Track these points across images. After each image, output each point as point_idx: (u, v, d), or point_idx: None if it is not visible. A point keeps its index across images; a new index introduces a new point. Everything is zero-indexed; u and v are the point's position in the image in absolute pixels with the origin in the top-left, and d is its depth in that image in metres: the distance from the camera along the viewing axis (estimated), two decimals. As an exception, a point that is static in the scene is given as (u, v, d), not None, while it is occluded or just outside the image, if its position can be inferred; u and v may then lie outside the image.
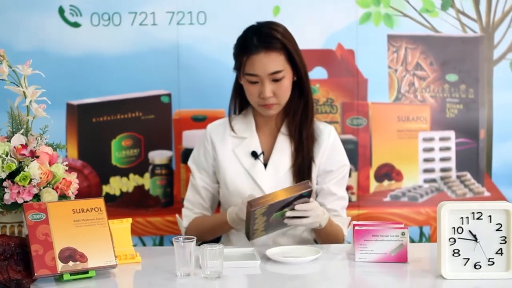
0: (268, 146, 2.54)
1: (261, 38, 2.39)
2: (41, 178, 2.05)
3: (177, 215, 2.63)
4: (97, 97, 3.06)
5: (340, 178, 2.54)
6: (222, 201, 2.60)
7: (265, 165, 2.50)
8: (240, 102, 2.58)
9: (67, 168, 2.16)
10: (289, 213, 2.24)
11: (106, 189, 3.09)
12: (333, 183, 2.52)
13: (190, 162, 2.61)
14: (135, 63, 3.03)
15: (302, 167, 2.48)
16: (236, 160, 2.51)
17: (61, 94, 3.01)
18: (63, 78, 3.01)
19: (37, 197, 2.07)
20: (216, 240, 2.61)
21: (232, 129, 2.54)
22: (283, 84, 2.42)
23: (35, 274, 1.92)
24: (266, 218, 2.25)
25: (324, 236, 2.46)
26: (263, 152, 2.52)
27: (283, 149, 2.51)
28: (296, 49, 2.44)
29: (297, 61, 2.43)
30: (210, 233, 2.54)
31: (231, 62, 2.52)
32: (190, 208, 2.58)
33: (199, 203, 2.57)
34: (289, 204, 2.23)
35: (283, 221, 2.28)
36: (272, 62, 2.39)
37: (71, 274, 1.96)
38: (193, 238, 2.00)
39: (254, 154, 2.51)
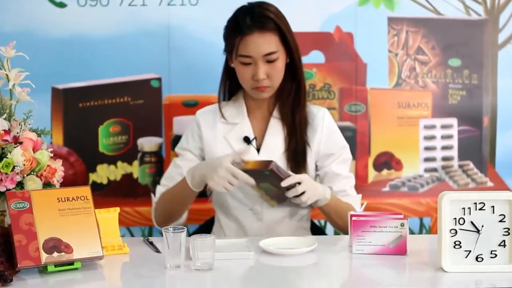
0: (261, 130, 2.55)
1: (254, 18, 2.39)
2: (24, 165, 2.05)
3: (151, 193, 2.60)
4: (83, 81, 3.05)
5: (342, 158, 2.55)
6: (214, 191, 2.59)
7: (258, 150, 2.51)
8: (230, 87, 2.58)
9: (52, 155, 2.16)
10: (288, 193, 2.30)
11: (92, 177, 3.08)
12: (336, 163, 2.53)
13: (176, 148, 2.61)
14: (123, 46, 3.02)
15: (296, 151, 2.49)
16: (228, 146, 2.51)
17: (46, 78, 3.00)
18: (48, 61, 3.00)
19: (20, 185, 2.07)
20: (208, 231, 2.61)
21: (223, 116, 2.54)
22: (277, 66, 2.42)
23: (18, 266, 1.92)
24: (258, 187, 2.33)
25: (334, 214, 2.45)
26: (255, 137, 2.52)
27: (276, 133, 2.52)
28: (289, 30, 2.44)
29: (290, 42, 2.43)
30: (175, 203, 2.48)
31: (224, 44, 2.52)
32: (165, 184, 2.54)
33: (177, 180, 2.49)
34: (264, 177, 2.29)
35: (285, 196, 2.34)
36: (266, 42, 2.39)
37: (55, 266, 1.96)
38: (183, 229, 2.00)
39: (247, 140, 2.51)
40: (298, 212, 2.56)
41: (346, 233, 2.38)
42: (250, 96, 2.52)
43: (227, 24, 2.48)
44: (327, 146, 2.53)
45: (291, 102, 2.51)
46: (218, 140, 2.53)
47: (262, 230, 2.51)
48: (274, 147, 2.51)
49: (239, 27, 2.40)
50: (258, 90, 2.44)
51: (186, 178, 2.39)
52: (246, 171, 2.28)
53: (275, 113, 2.54)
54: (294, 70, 2.49)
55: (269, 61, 2.41)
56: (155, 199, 2.55)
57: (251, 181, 2.29)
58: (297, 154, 2.49)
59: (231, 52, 2.45)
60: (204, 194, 2.90)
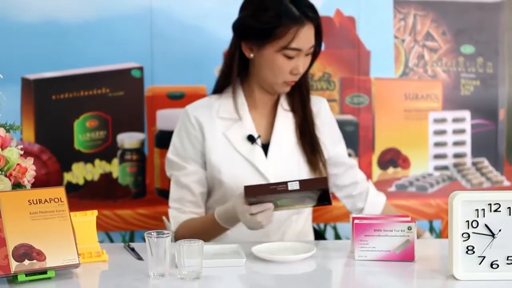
0: (265, 126, 2.57)
1: (303, 8, 2.44)
2: (-9, 164, 2.05)
3: (164, 217, 2.61)
4: (57, 71, 3.05)
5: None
6: (212, 200, 2.59)
7: (266, 146, 2.52)
8: (226, 80, 2.57)
9: (22, 152, 2.15)
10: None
11: (67, 177, 3.09)
12: (339, 150, 2.66)
13: (171, 156, 2.57)
14: (101, 32, 3.03)
15: (312, 142, 2.54)
16: (229, 145, 2.51)
17: (15, 67, 3.00)
18: (18, 49, 3.00)
19: (-13, 186, 2.07)
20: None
21: (221, 110, 2.55)
22: (309, 59, 2.52)
23: (-15, 275, 1.92)
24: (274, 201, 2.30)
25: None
26: (259, 136, 2.53)
27: (286, 126, 2.56)
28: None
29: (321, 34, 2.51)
30: (204, 237, 2.45)
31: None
32: (177, 207, 2.55)
33: (189, 200, 2.54)
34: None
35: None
36: (312, 35, 2.46)
37: (26, 275, 1.96)
38: (168, 233, 2.00)
39: (251, 138, 2.52)
40: (304, 211, 2.60)
41: None
42: (251, 90, 2.54)
43: (269, 12, 2.43)
44: (328, 134, 2.62)
45: (300, 93, 2.59)
46: (218, 137, 2.52)
47: (267, 232, 2.51)
48: (285, 139, 2.55)
49: (292, 17, 2.40)
50: (288, 84, 2.49)
51: (215, 216, 2.41)
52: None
53: (284, 104, 2.57)
54: (313, 62, 2.57)
55: (307, 54, 2.49)
56: (171, 226, 2.54)
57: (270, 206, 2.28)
58: (312, 145, 2.55)
59: (271, 43, 2.44)
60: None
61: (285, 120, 2.57)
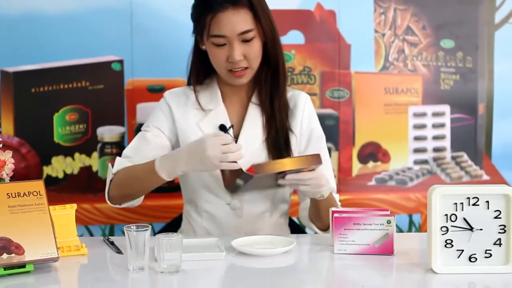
0: (238, 118, 2.55)
1: None
2: (-30, 157, 2.04)
3: (109, 163, 2.51)
4: (36, 64, 3.04)
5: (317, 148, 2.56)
6: (183, 182, 2.59)
7: (236, 139, 2.51)
8: (202, 71, 2.57)
9: (1, 145, 2.15)
10: (288, 178, 2.25)
11: (47, 170, 3.07)
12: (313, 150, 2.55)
13: (144, 127, 2.54)
14: (81, 24, 3.01)
15: (277, 140, 2.49)
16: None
17: (-6, 60, 2.99)
18: (-3, 41, 2.99)
19: (-35, 179, 2.06)
20: (175, 229, 2.62)
21: (198, 102, 2.53)
22: (253, 45, 2.43)
23: (-37, 268, 1.91)
24: (257, 180, 2.27)
25: (323, 208, 2.46)
26: (232, 126, 2.53)
27: (255, 121, 2.52)
28: (263, 6, 2.44)
29: (264, 19, 2.42)
30: (137, 185, 2.41)
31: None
32: (129, 156, 2.47)
33: (144, 154, 2.44)
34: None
35: (275, 183, 2.30)
36: (241, 20, 2.39)
37: (5, 269, 1.95)
38: (147, 227, 2.00)
39: (223, 128, 2.51)
40: (279, 206, 2.57)
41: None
42: (224, 81, 2.52)
43: (195, 2, 2.47)
44: (307, 127, 2.56)
45: (270, 87, 2.52)
46: (191, 128, 2.52)
47: (240, 227, 2.51)
48: (253, 135, 2.51)
49: (209, 3, 2.40)
50: (235, 76, 2.44)
51: (155, 165, 2.31)
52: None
53: (254, 98, 2.55)
54: (271, 52, 2.49)
55: (245, 41, 2.41)
56: (113, 169, 2.44)
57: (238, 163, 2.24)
58: (278, 143, 2.50)
59: (201, 33, 2.44)
60: (171, 189, 2.91)
61: (255, 115, 2.54)
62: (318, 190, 2.30)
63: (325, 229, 2.47)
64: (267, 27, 2.44)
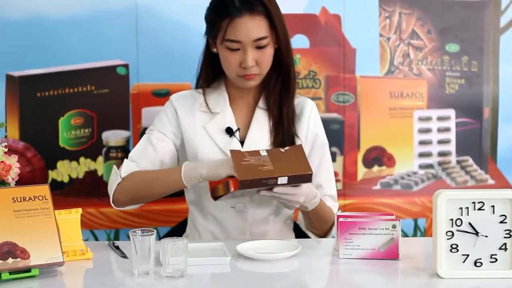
0: (244, 122, 2.56)
1: None
2: (-25, 161, 2.04)
3: (114, 166, 2.52)
4: (42, 68, 3.04)
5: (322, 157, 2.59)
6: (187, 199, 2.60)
7: (242, 143, 2.52)
8: (211, 74, 2.58)
9: (6, 150, 2.15)
10: (266, 192, 2.29)
11: (52, 175, 3.08)
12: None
13: (148, 130, 2.56)
14: (86, 28, 3.02)
15: (283, 144, 2.50)
16: (208, 138, 2.51)
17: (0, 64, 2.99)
18: (3, 46, 2.99)
19: (-29, 183, 2.07)
20: (180, 234, 2.62)
21: (207, 104, 2.54)
22: (266, 52, 2.44)
23: (-31, 273, 1.91)
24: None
25: (313, 218, 2.49)
26: (238, 129, 2.53)
27: (262, 125, 2.53)
28: (278, 14, 2.46)
29: (280, 27, 2.44)
30: (156, 191, 2.45)
31: (200, 27, 2.52)
32: (136, 161, 2.49)
33: (149, 159, 2.48)
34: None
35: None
36: (257, 27, 2.41)
37: (10, 273, 1.95)
38: (152, 231, 2.00)
39: (229, 131, 2.52)
40: (283, 210, 2.58)
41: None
42: (233, 84, 2.53)
43: (211, 5, 2.48)
44: (312, 133, 2.57)
45: (279, 93, 2.54)
46: (197, 130, 2.53)
47: (245, 230, 2.52)
48: (259, 139, 2.52)
49: (226, 8, 2.41)
50: (245, 78, 2.46)
51: (181, 173, 2.35)
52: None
53: (261, 103, 2.56)
54: (282, 58, 2.50)
55: (259, 47, 2.43)
56: (121, 173, 2.45)
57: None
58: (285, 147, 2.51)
59: (215, 36, 2.45)
60: (176, 193, 2.90)
61: (261, 120, 2.55)
62: (292, 205, 2.35)
63: (322, 235, 2.52)
64: (282, 35, 2.46)
